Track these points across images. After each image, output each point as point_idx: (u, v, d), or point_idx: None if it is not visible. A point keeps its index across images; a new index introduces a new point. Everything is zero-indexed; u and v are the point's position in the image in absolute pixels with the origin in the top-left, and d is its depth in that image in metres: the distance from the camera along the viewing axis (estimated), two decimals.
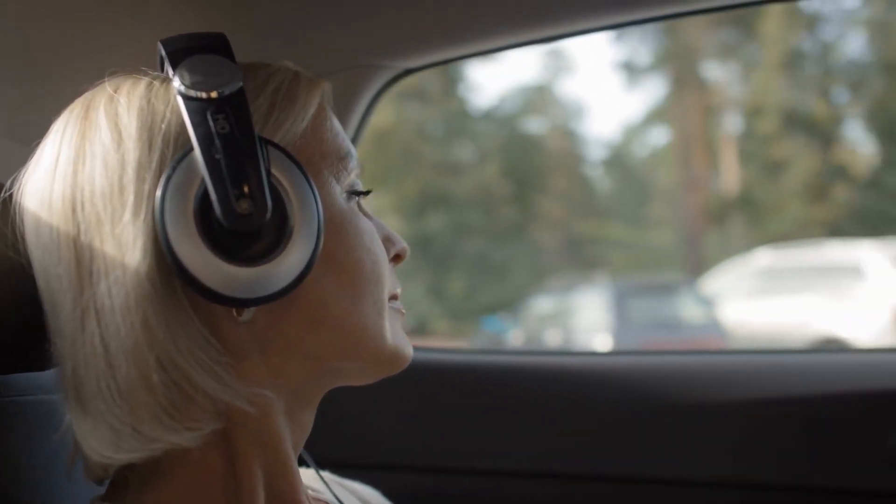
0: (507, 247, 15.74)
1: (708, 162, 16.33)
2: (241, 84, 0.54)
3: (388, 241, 0.65)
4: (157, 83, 0.57)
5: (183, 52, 0.55)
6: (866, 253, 8.61)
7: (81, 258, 0.53)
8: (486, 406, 1.28)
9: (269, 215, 0.52)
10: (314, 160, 0.60)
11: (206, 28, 0.58)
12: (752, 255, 10.12)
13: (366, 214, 0.64)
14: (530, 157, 17.11)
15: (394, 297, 0.64)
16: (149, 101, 0.55)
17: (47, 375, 0.65)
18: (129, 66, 0.60)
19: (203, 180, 0.52)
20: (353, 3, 0.85)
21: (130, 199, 0.53)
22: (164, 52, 0.56)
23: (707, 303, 9.11)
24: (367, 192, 0.64)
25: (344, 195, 0.61)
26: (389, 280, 0.63)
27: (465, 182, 15.70)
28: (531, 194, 16.68)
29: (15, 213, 0.58)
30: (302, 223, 0.54)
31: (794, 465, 1.14)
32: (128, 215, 0.52)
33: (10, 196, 0.59)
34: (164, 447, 0.53)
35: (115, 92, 0.56)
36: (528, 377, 1.28)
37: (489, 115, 17.90)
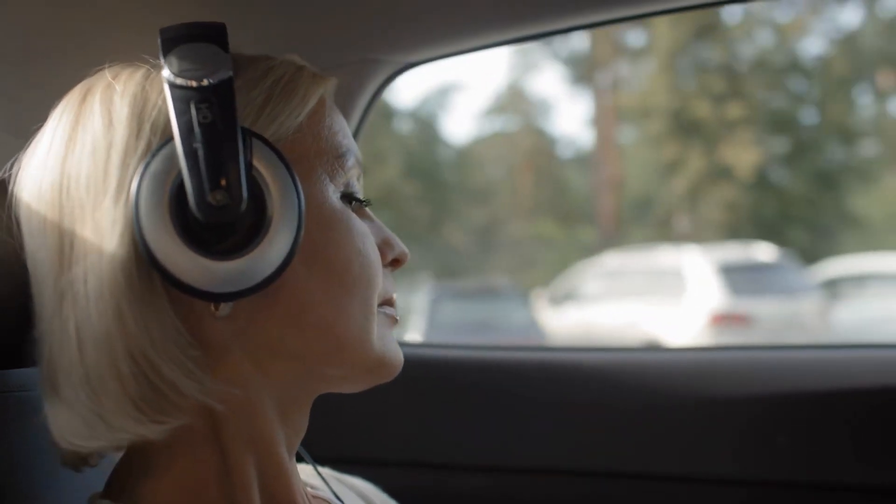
0: (415, 247, 15.84)
1: (620, 163, 16.42)
2: (229, 74, 0.53)
3: (386, 244, 0.63)
4: (154, 71, 0.57)
5: (177, 40, 0.54)
6: (691, 258, 8.75)
7: (63, 241, 0.53)
8: (485, 402, 1.28)
9: (243, 207, 0.51)
10: (308, 156, 0.58)
11: (207, 19, 0.56)
12: (601, 258, 10.25)
13: (367, 216, 0.63)
14: (446, 158, 17.20)
15: (387, 303, 0.63)
16: (143, 89, 0.55)
17: None
18: (131, 54, 0.59)
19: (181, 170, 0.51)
20: None
21: (113, 184, 0.52)
22: (159, 40, 0.55)
23: (527, 306, 9.25)
24: (363, 202, 0.63)
25: (338, 194, 0.59)
26: (382, 284, 0.61)
27: (370, 182, 15.79)
28: (446, 195, 16.78)
29: (12, 199, 0.58)
30: (282, 218, 0.53)
31: (797, 462, 1.13)
32: (108, 201, 0.52)
33: (9, 181, 0.58)
34: (131, 438, 0.53)
35: (114, 79, 0.56)
36: (526, 373, 1.27)
37: (406, 116, 17.98)
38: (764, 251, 9.38)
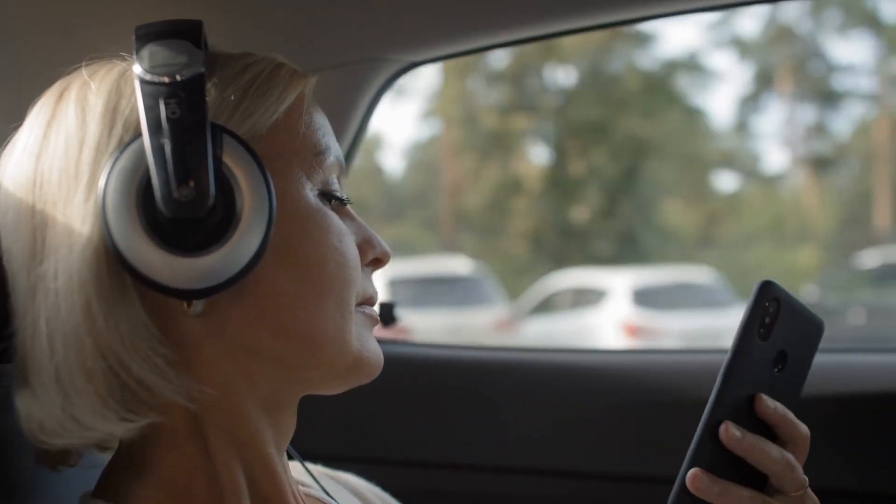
0: None
1: (466, 168, 16.69)
2: (200, 70, 0.52)
3: (367, 243, 0.62)
4: (130, 68, 0.56)
5: (151, 36, 0.53)
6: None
7: (36, 236, 0.53)
8: (479, 402, 1.28)
9: (210, 203, 0.50)
10: (284, 154, 0.58)
11: (209, 18, 0.57)
12: None
13: (347, 215, 0.62)
14: None
15: (367, 302, 0.62)
16: (117, 86, 0.55)
17: None
18: (110, 51, 0.59)
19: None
20: None
21: (84, 179, 0.52)
22: (133, 37, 0.54)
23: None
24: (343, 200, 0.62)
25: (315, 192, 0.59)
26: (361, 283, 0.60)
27: None
28: None
29: None
30: (252, 214, 0.52)
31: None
32: (79, 196, 0.52)
33: None
34: (102, 436, 0.53)
35: (90, 77, 0.56)
36: (522, 373, 1.28)
37: None
38: (459, 264, 9.76)
